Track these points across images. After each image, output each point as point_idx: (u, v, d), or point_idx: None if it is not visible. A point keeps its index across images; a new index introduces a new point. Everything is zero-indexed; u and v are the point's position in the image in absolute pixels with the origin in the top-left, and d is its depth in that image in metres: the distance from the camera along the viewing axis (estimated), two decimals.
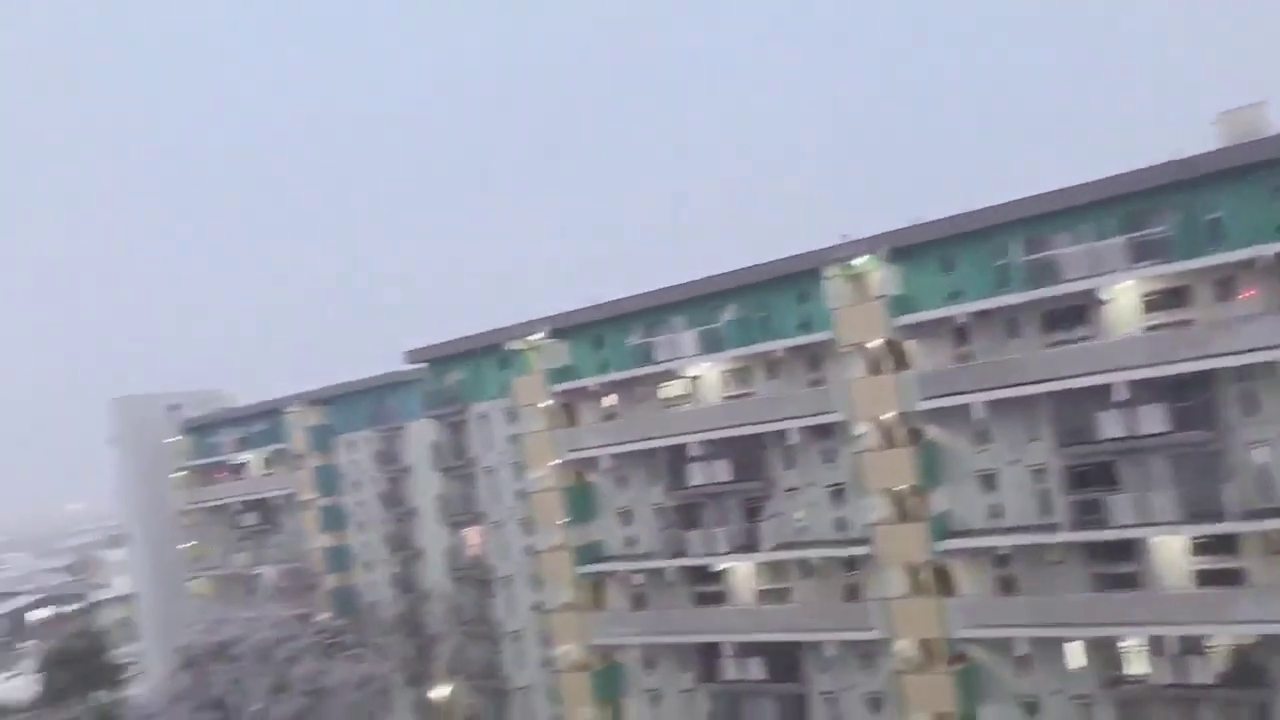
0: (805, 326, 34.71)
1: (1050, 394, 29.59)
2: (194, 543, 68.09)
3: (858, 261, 33.11)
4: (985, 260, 31.18)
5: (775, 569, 36.16)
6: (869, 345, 32.90)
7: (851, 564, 34.14)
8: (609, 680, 39.88)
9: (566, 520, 40.30)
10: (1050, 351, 29.91)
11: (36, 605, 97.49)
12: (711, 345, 36.43)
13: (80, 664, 68.79)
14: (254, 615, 50.34)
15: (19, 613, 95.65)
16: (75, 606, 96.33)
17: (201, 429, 67.73)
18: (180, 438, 68.51)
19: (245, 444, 64.13)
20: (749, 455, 36.10)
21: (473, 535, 46.90)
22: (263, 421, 63.29)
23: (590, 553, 40.18)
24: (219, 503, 65.99)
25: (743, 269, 35.91)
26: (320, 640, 50.78)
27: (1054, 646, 30.20)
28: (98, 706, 68.45)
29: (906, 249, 32.45)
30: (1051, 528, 29.94)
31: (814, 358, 34.80)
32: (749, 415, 35.08)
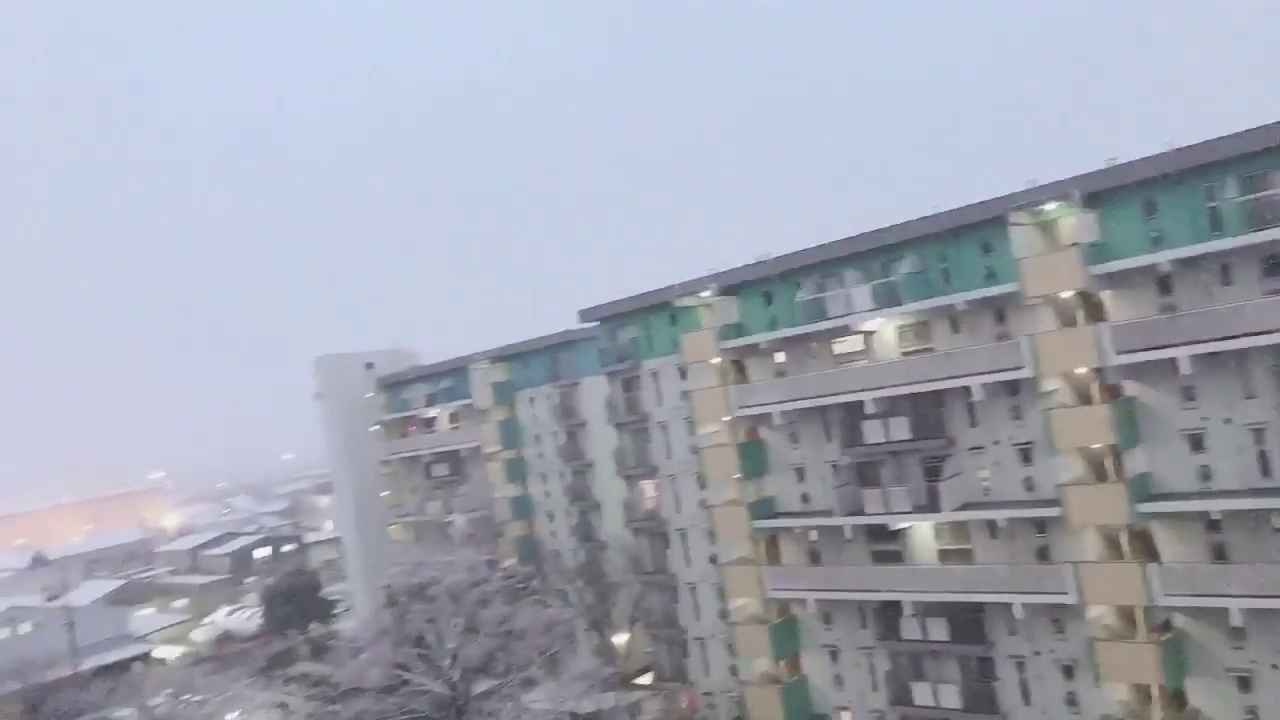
0: (990, 278, 32.98)
1: (1271, 347, 26.95)
2: (391, 491, 73.06)
3: (1049, 208, 31.04)
4: (1193, 203, 28.50)
5: (957, 529, 35.07)
6: (1061, 296, 30.94)
7: (1041, 526, 32.62)
8: (786, 634, 40.10)
9: (739, 476, 40.45)
10: (1269, 301, 27.12)
11: (258, 545, 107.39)
12: (887, 299, 35.27)
13: (297, 599, 75.66)
14: (447, 560, 53.49)
15: (244, 551, 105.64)
16: (291, 547, 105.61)
17: (394, 385, 72.12)
18: (376, 394, 73.28)
19: (434, 399, 67.85)
20: (929, 412, 34.96)
21: (648, 488, 47.92)
22: (449, 378, 66.71)
23: (764, 508, 40.25)
24: (413, 454, 70.36)
25: (921, 219, 34.39)
26: (508, 585, 53.57)
27: (1273, 617, 27.91)
28: (313, 637, 75.26)
29: (1102, 193, 30.07)
30: (1274, 492, 27.45)
31: (999, 311, 33.07)
32: (929, 371, 33.87)
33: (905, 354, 35.75)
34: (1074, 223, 30.79)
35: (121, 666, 63.16)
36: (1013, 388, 32.74)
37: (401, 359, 75.37)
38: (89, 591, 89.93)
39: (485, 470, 62.71)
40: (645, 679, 50.40)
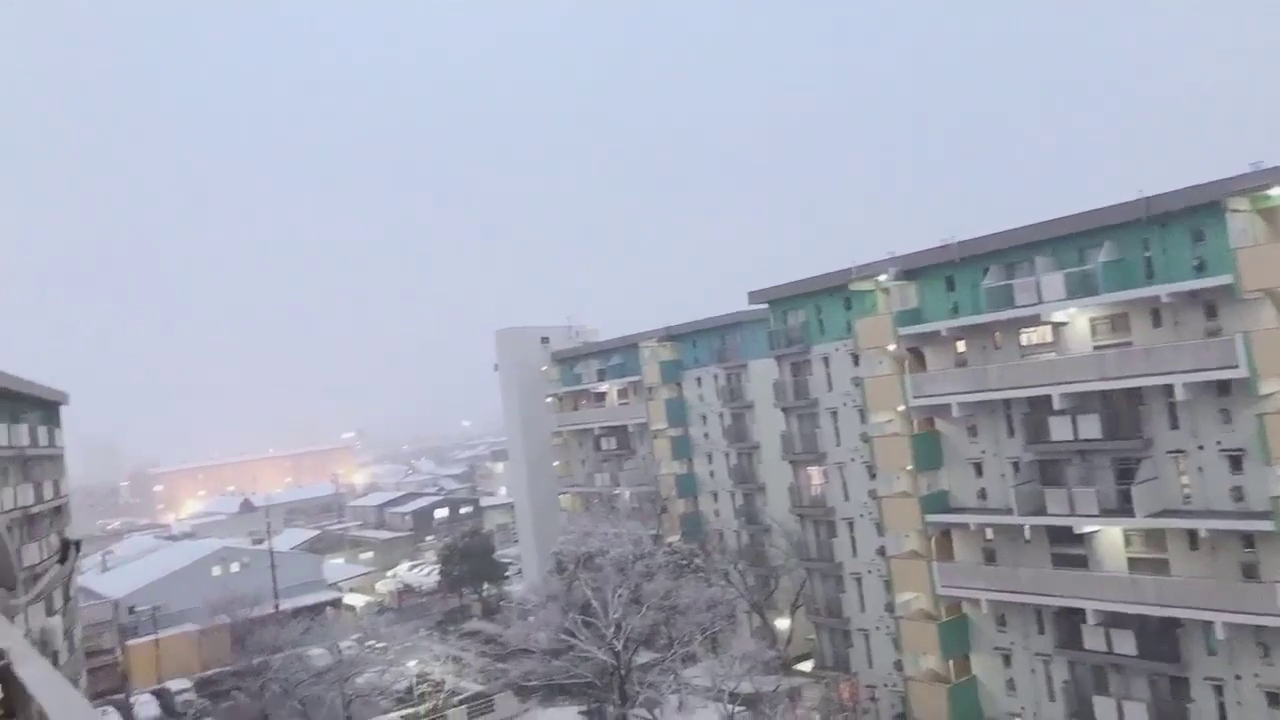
0: (1200, 269, 30.39)
1: None
2: (561, 461, 75.44)
3: (1274, 192, 28.22)
4: None
5: (1151, 537, 32.73)
6: None
7: (1249, 540, 29.96)
8: (956, 633, 38.75)
9: (912, 467, 39.26)
10: None
11: (438, 506, 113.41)
12: (1082, 289, 33.12)
13: (472, 560, 79.42)
14: (614, 531, 54.75)
15: (425, 511, 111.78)
16: (468, 509, 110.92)
17: (568, 360, 74.27)
18: (550, 367, 75.72)
19: (604, 375, 69.42)
20: (1123, 411, 32.69)
21: (815, 474, 47.28)
22: (619, 355, 68.03)
23: (937, 502, 38.91)
24: (583, 427, 72.36)
25: (1123, 204, 32.02)
26: (671, 560, 54.31)
27: None
28: (485, 597, 78.94)
29: None
30: None
31: (1209, 305, 30.43)
32: (1126, 367, 31.62)
33: (1099, 348, 33.53)
34: None
35: (315, 609, 68.42)
36: (1223, 388, 30.12)
37: (575, 334, 77.45)
38: (288, 538, 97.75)
39: (651, 446, 63.67)
40: (806, 666, 50.02)
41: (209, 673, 60.28)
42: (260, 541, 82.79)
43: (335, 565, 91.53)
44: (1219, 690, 31.16)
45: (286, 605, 66.03)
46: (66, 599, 37.46)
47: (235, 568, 74.11)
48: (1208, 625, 30.39)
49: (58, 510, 46.89)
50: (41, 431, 44.29)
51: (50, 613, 35.10)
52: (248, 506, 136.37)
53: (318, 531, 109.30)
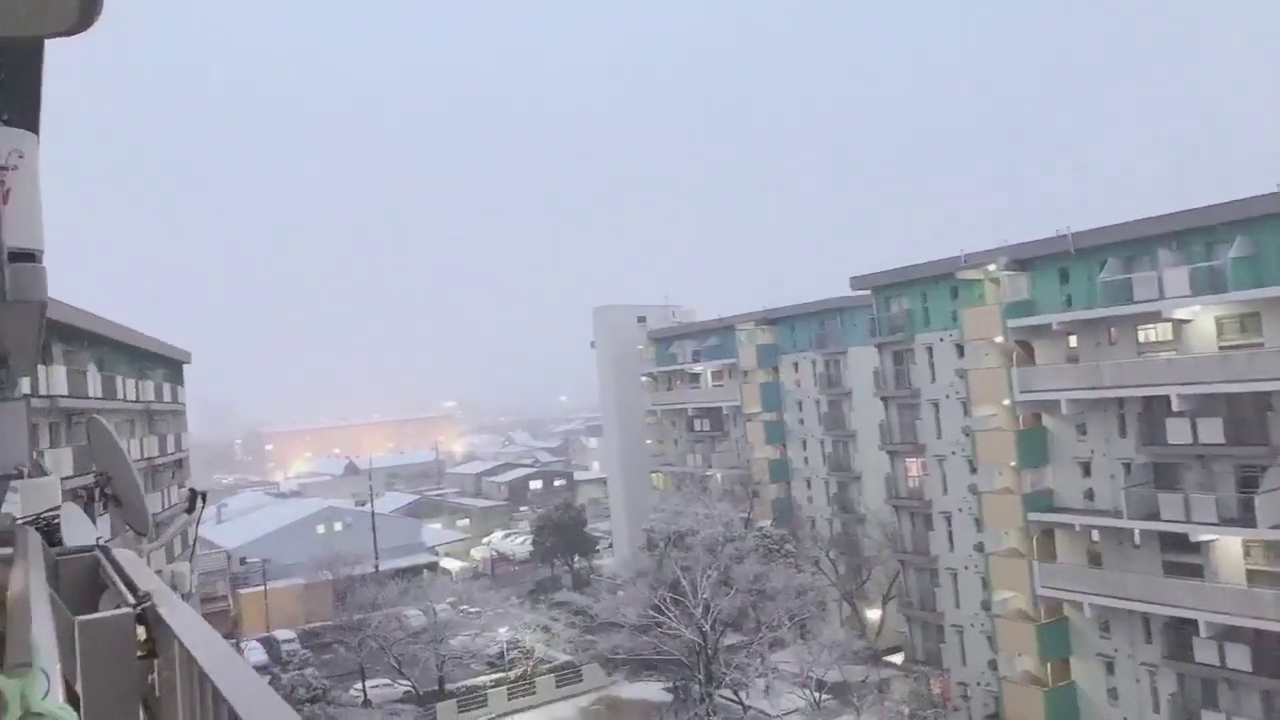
0: None
1: None
2: (655, 440, 75.84)
3: None
4: None
5: (1273, 549, 31.01)
6: None
7: None
8: (1056, 636, 37.57)
9: (1016, 463, 38.08)
10: None
11: (533, 477, 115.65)
12: (1208, 285, 31.43)
13: (564, 532, 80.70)
14: (705, 512, 54.86)
15: (520, 481, 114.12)
16: (561, 482, 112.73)
17: (664, 339, 74.45)
18: (646, 346, 76.05)
19: (699, 356, 69.34)
20: (1249, 415, 30.97)
21: (913, 466, 46.35)
22: (715, 336, 67.84)
23: (1041, 501, 37.67)
24: (677, 407, 72.55)
25: (1258, 196, 30.22)
26: (762, 545, 54.12)
27: None
28: (576, 570, 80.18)
29: None
30: None
31: None
32: (1256, 370, 29.92)
33: (1225, 348, 31.80)
34: None
35: (413, 571, 70.67)
36: None
37: (672, 314, 77.54)
38: (389, 502, 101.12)
39: (745, 430, 63.41)
40: (896, 658, 49.26)
41: (311, 625, 63.04)
42: (363, 503, 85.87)
43: (433, 530, 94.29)
44: None
45: (386, 566, 68.41)
46: (188, 547, 39.67)
47: (338, 527, 77.13)
48: None
49: (179, 463, 49.60)
50: (166, 388, 46.85)
51: (173, 559, 37.16)
52: (352, 469, 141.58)
53: (417, 496, 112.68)
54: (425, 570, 74.81)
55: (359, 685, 53.24)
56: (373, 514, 75.24)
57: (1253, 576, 31.66)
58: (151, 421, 44.68)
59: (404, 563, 72.68)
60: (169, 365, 49.62)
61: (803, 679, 41.63)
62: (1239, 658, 31.42)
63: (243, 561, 70.58)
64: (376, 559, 68.92)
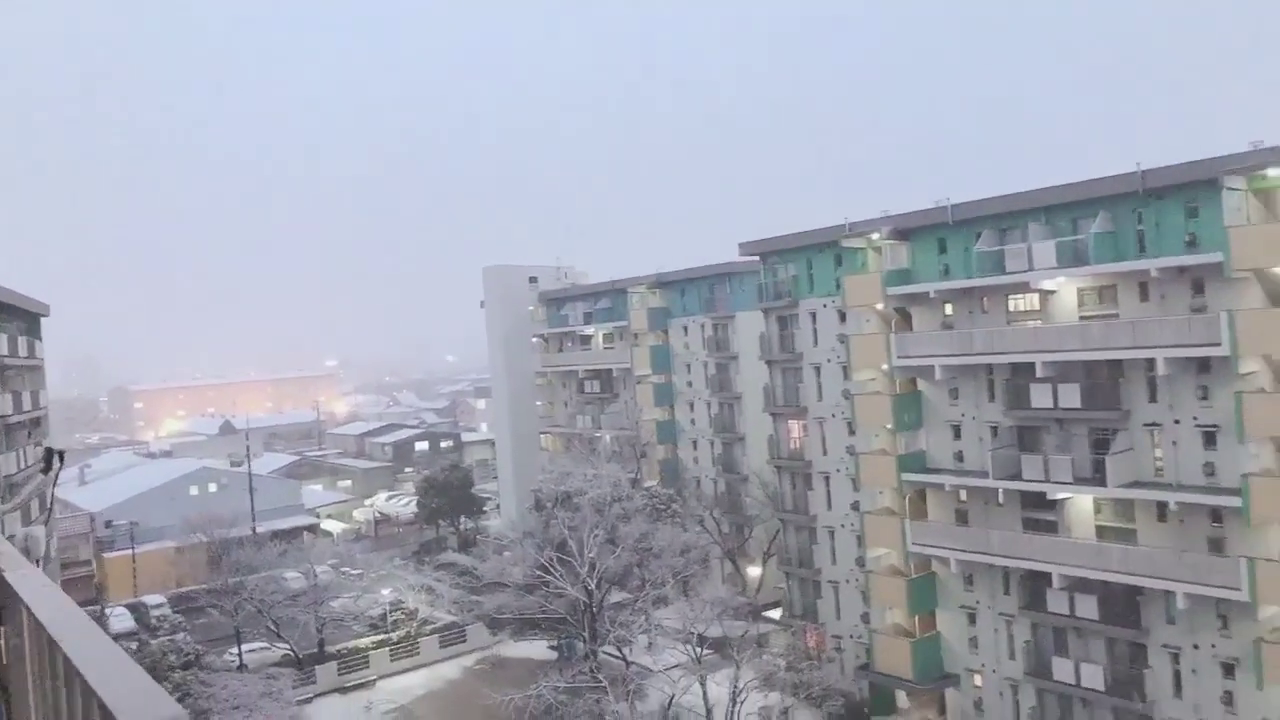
0: (1191, 245, 30.46)
1: None
2: (544, 401, 75.67)
3: (1271, 173, 28.22)
4: None
5: (1121, 507, 33.30)
6: (1273, 272, 28.31)
7: (1217, 515, 30.54)
8: (924, 590, 39.51)
9: (892, 426, 39.60)
10: None
11: (418, 438, 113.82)
12: (1073, 258, 33.19)
13: (450, 493, 79.94)
14: (593, 473, 55.17)
15: (406, 443, 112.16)
16: (448, 444, 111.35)
17: (555, 300, 74.04)
18: (537, 307, 75.50)
19: (591, 318, 69.33)
20: (1104, 382, 33.01)
21: (795, 428, 47.65)
22: (607, 299, 67.88)
23: (914, 461, 39.36)
24: (567, 368, 72.49)
25: (1120, 175, 31.95)
26: (649, 505, 54.89)
27: None
28: (462, 531, 79.69)
29: None
30: None
31: (1197, 281, 30.58)
32: (1111, 339, 31.84)
33: (1085, 318, 33.72)
34: None
35: (292, 534, 68.91)
36: (1203, 365, 30.43)
37: (563, 275, 77.11)
38: (268, 462, 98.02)
39: (634, 392, 63.91)
40: (774, 613, 50.95)
41: (184, 590, 60.80)
42: (239, 464, 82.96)
43: (314, 491, 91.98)
44: (1175, 658, 32.02)
45: (264, 528, 66.46)
46: (46, 509, 37.59)
47: (213, 488, 74.42)
48: (1169, 595, 31.11)
49: (36, 422, 46.77)
50: (21, 342, 43.95)
51: (29, 521, 35.20)
52: (228, 428, 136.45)
53: (297, 457, 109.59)
54: (305, 532, 72.94)
55: (234, 649, 51.80)
56: (249, 474, 72.79)
57: (1101, 532, 33.96)
58: (4, 378, 41.90)
59: (283, 524, 70.76)
60: (24, 317, 46.52)
61: (685, 635, 42.57)
62: (1087, 607, 33.75)
63: (108, 524, 67.35)
64: (254, 521, 66.82)
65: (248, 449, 77.28)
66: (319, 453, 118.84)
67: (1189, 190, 30.39)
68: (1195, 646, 31.44)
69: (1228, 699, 30.71)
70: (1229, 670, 30.70)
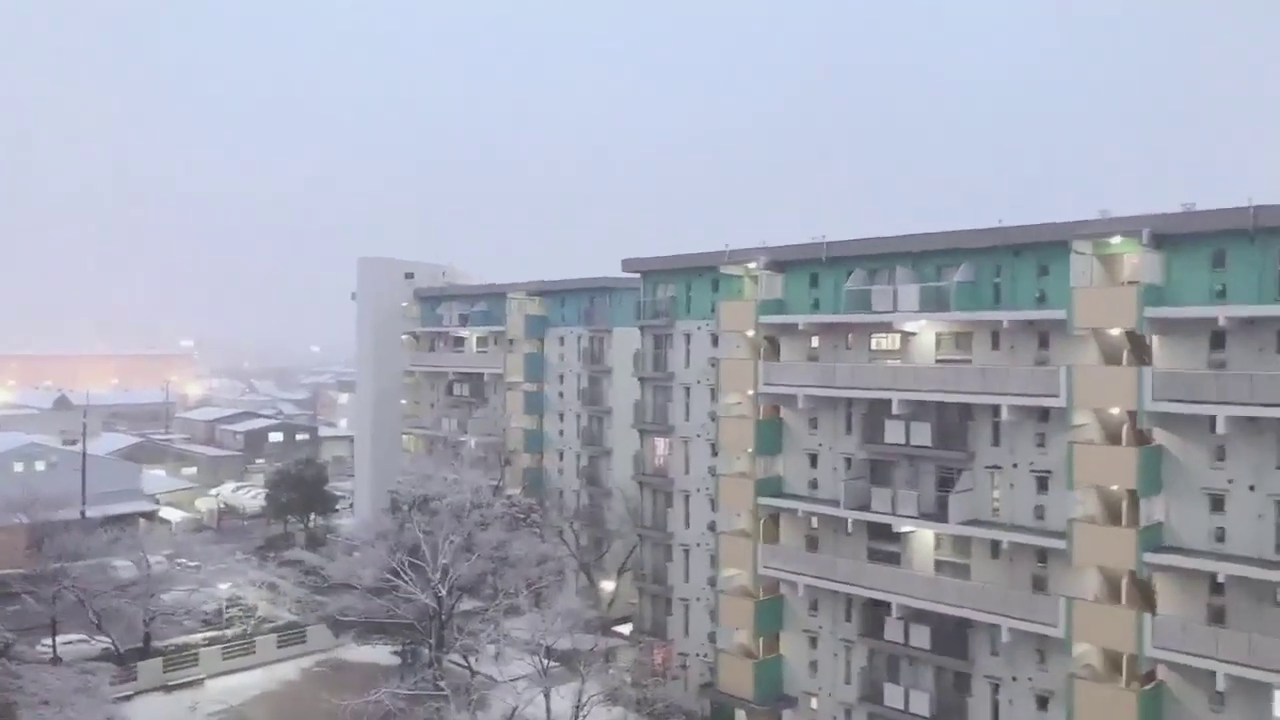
0: (1041, 301, 32.53)
1: None
2: (410, 401, 74.00)
3: (1114, 241, 30.44)
4: (1264, 263, 27.82)
5: (959, 543, 35.04)
6: (1109, 332, 30.49)
7: (1043, 555, 32.51)
8: (770, 612, 40.47)
9: (753, 450, 40.53)
10: None
11: (273, 429, 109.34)
12: (934, 304, 34.87)
13: (302, 488, 77.07)
14: (454, 478, 54.21)
15: (259, 432, 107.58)
16: (305, 437, 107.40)
17: (431, 299, 72.71)
18: (411, 304, 73.90)
19: (466, 320, 68.40)
20: (953, 423, 34.74)
21: (660, 445, 48.16)
22: (484, 302, 67.16)
23: (771, 486, 40.38)
24: (437, 370, 71.23)
25: (984, 229, 33.85)
26: (509, 513, 54.34)
27: (1259, 689, 27.80)
28: (311, 528, 76.90)
29: (1172, 236, 29.41)
30: None
31: (1043, 335, 32.62)
32: (962, 383, 33.55)
33: (941, 361, 35.45)
34: (1137, 261, 30.21)
35: (127, 520, 65.01)
36: (1042, 414, 32.42)
37: (442, 274, 75.83)
38: (106, 443, 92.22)
39: (505, 398, 63.30)
40: (625, 628, 51.19)
41: None
42: (74, 442, 77.61)
43: (155, 476, 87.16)
44: (996, 689, 33.82)
45: (95, 512, 62.44)
46: None
47: (41, 466, 69.50)
48: (995, 628, 32.87)
49: None
50: None
51: None
52: (64, 403, 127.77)
53: (140, 439, 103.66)
54: (142, 519, 69.08)
55: (48, 640, 48.31)
56: (84, 454, 68.25)
57: (940, 566, 35.63)
58: None
59: (118, 509, 66.75)
60: None
61: (533, 646, 42.23)
62: (921, 637, 35.30)
63: None
64: (84, 503, 62.70)
65: (84, 426, 72.43)
66: (164, 436, 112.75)
67: (1043, 250, 32.44)
68: (1014, 679, 33.31)
69: None
70: (1043, 703, 32.64)
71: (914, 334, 36.29)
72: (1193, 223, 29.00)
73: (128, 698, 45.45)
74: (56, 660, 46.25)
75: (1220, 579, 28.35)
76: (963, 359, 34.79)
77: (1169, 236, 29.46)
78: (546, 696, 38.28)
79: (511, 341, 62.69)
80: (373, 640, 49.69)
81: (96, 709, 39.40)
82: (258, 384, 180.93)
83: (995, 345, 33.96)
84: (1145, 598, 30.05)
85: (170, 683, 47.96)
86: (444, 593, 44.83)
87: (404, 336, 74.06)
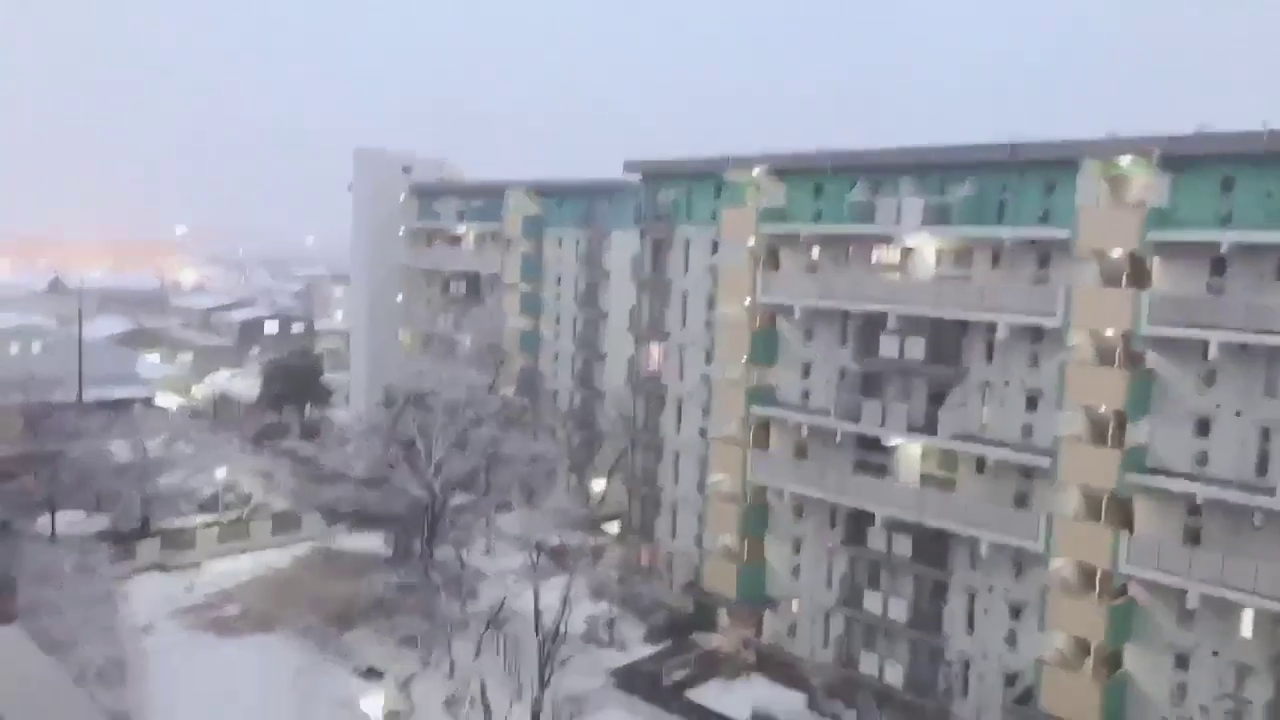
0: (1044, 219, 32.25)
1: None
2: (406, 297, 73.73)
3: (1124, 161, 29.98)
4: (1263, 188, 27.52)
5: (946, 457, 35.55)
6: (1111, 254, 30.32)
7: (1028, 472, 33.05)
8: (756, 517, 41.32)
9: (747, 359, 40.72)
10: None
11: (268, 319, 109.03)
12: (937, 218, 34.55)
13: (297, 379, 77.44)
14: (449, 375, 54.49)
15: (254, 322, 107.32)
16: (299, 328, 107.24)
17: (428, 194, 71.73)
18: (408, 198, 72.91)
19: (463, 217, 67.59)
20: (948, 340, 34.83)
21: (655, 351, 48.30)
22: (482, 199, 66.28)
23: (764, 395, 40.70)
24: (433, 267, 70.76)
25: (992, 144, 33.27)
26: (502, 412, 54.85)
27: (1228, 609, 28.67)
28: (306, 419, 77.57)
29: (1183, 159, 28.99)
30: (1268, 490, 27.65)
31: (1044, 255, 32.46)
32: (960, 300, 33.52)
33: (940, 278, 35.31)
34: (1145, 182, 29.85)
35: (123, 404, 65.33)
36: (1037, 334, 32.51)
37: (439, 169, 74.62)
38: (101, 327, 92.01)
39: (500, 298, 63.12)
40: (613, 527, 52.28)
41: None
42: (69, 324, 77.45)
43: (150, 363, 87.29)
44: (972, 598, 34.83)
45: (92, 395, 62.69)
46: None
47: (36, 348, 69.42)
48: (976, 541, 33.63)
49: None
50: None
51: None
52: (57, 285, 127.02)
53: (135, 325, 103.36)
54: (138, 404, 69.36)
55: (47, 519, 49.19)
56: (80, 336, 68.16)
57: (925, 479, 36.23)
58: None
59: (114, 393, 66.93)
60: None
61: (524, 541, 43.23)
62: (902, 547, 36.15)
63: None
64: (80, 386, 62.93)
65: (79, 309, 72.19)
66: (159, 322, 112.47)
67: (1051, 168, 31.96)
68: (990, 589, 34.27)
69: (1011, 638, 33.75)
70: (1016, 612, 33.67)
71: (915, 249, 36.05)
72: (1205, 144, 28.57)
73: (126, 576, 46.53)
74: (54, 538, 47.16)
75: (1199, 501, 28.93)
76: (962, 275, 34.65)
77: (1179, 158, 29.04)
78: (535, 589, 39.35)
79: (509, 241, 62.14)
80: (365, 530, 50.73)
81: (95, 585, 40.40)
82: (252, 274, 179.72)
83: (995, 263, 33.80)
84: (1124, 517, 30.68)
85: (167, 563, 49.06)
86: (437, 486, 45.55)
87: (400, 232, 73.31)
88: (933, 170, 35.31)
